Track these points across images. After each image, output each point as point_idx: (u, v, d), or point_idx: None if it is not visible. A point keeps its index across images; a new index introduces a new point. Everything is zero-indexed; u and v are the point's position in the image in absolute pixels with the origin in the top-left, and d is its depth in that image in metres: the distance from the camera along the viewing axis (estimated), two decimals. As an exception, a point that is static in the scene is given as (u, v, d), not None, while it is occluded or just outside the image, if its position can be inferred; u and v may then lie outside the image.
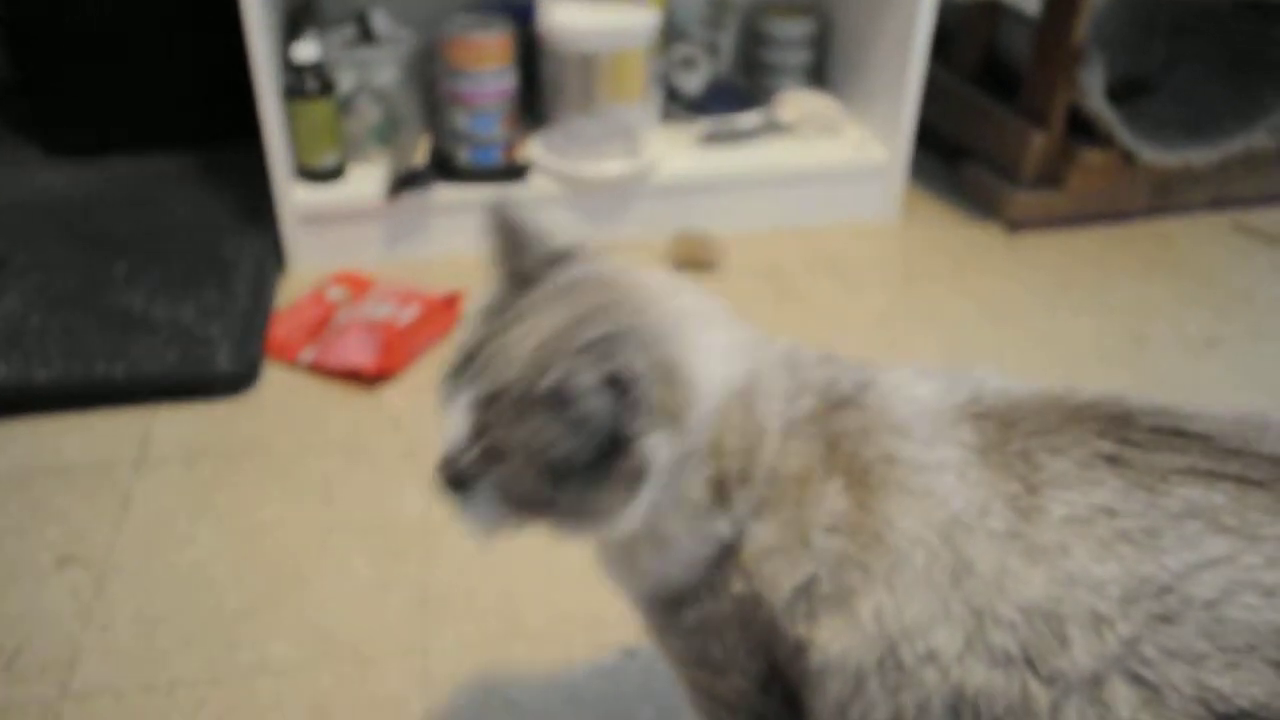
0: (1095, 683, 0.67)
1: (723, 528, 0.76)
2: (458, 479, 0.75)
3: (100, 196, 2.14)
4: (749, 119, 2.13)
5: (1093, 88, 1.97)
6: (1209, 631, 0.66)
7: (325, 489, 1.45)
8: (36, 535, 1.38)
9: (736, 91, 2.26)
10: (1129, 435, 0.73)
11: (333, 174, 1.92)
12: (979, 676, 0.70)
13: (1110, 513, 0.70)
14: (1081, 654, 0.67)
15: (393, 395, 1.63)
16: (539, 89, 2.06)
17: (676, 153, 2.07)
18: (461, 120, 1.93)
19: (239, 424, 1.57)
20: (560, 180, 1.97)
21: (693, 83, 2.20)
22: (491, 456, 0.73)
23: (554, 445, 0.70)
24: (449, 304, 1.75)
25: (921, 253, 2.07)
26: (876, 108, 2.15)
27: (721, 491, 0.76)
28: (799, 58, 2.27)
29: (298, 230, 1.90)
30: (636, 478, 0.72)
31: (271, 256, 1.91)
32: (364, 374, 1.62)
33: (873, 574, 0.73)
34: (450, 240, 1.95)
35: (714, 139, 2.10)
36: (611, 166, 1.97)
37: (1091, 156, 2.05)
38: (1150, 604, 0.67)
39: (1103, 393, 0.77)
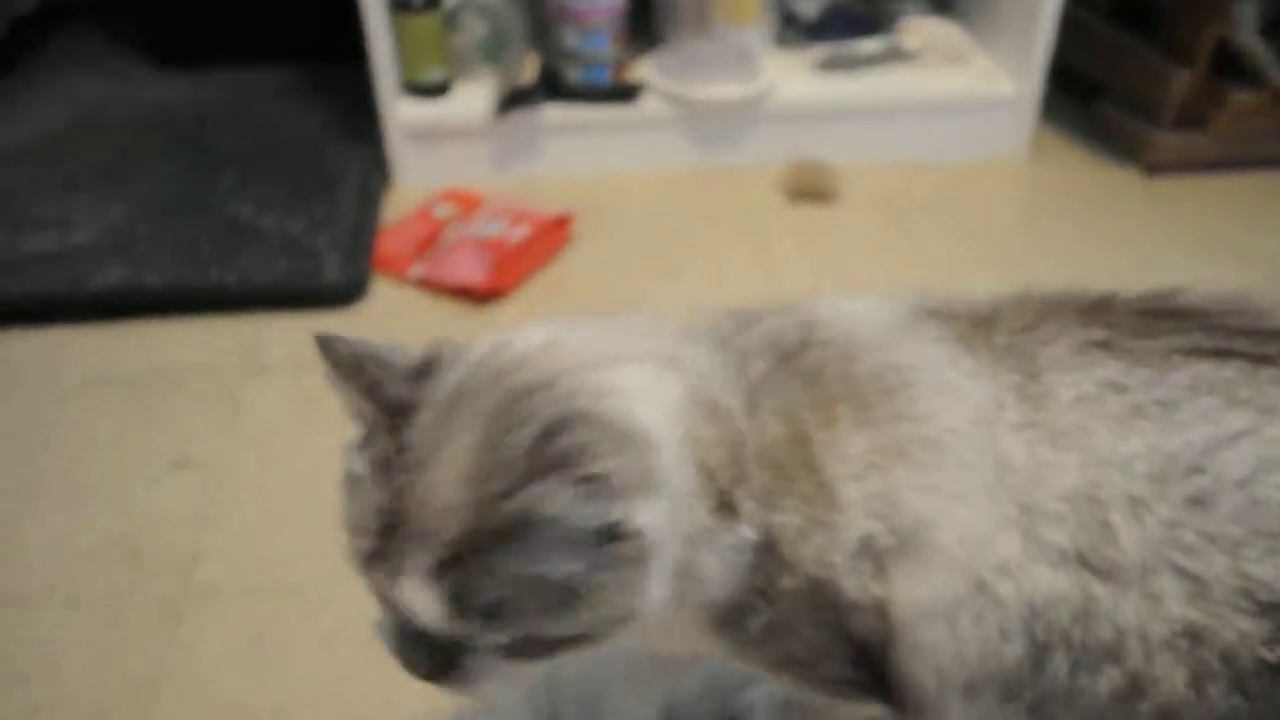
0: (1144, 575, 0.64)
1: (745, 533, 0.68)
2: (450, 661, 0.64)
3: (206, 109, 2.13)
4: (870, 45, 2.04)
5: (1246, 20, 1.84)
6: (1243, 515, 0.63)
7: (435, 404, 1.43)
8: (151, 436, 1.38)
9: (855, 16, 2.16)
10: (1114, 320, 0.69)
11: (439, 90, 1.87)
12: (1044, 582, 0.65)
13: (1119, 388, 0.66)
14: (1129, 542, 0.64)
15: (502, 314, 1.59)
16: (651, 9, 1.99)
17: (793, 78, 1.99)
18: (570, 38, 1.87)
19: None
20: (672, 102, 1.90)
21: (810, 6, 2.11)
22: (488, 619, 0.61)
23: (551, 574, 0.60)
24: (560, 225, 1.71)
25: (1051, 194, 1.97)
26: (1006, 38, 2.04)
27: (727, 504, 0.67)
28: (923, -17, 2.16)
29: (404, 146, 1.86)
30: (641, 557, 0.62)
31: (377, 172, 1.88)
32: (474, 291, 1.59)
33: (941, 490, 0.66)
34: (559, 160, 1.90)
35: (832, 65, 2.01)
36: (726, 90, 1.90)
37: (1240, 97, 1.91)
38: (1182, 486, 0.64)
39: (1063, 288, 0.73)
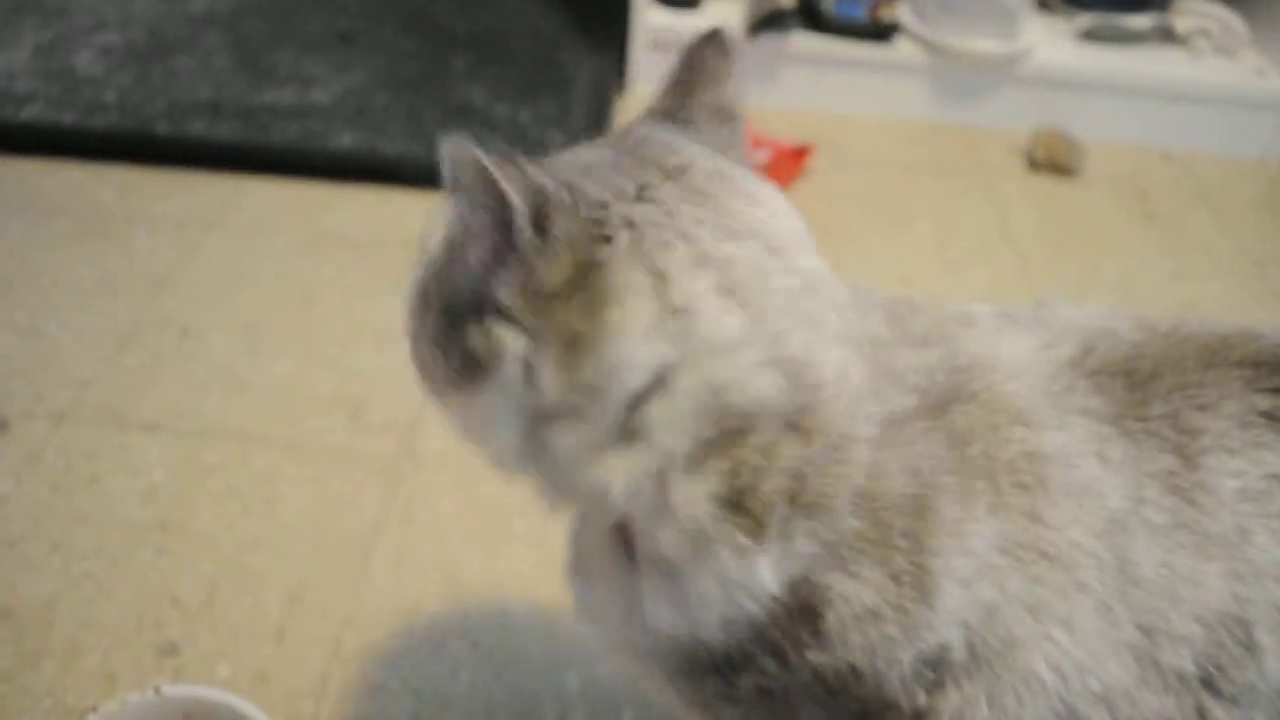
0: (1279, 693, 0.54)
1: (761, 577, 0.54)
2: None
3: (437, -9, 2.12)
4: (1139, 21, 1.92)
5: None
6: None
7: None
8: (379, 301, 1.38)
9: (1126, -11, 2.03)
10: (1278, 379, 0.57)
11: (690, 1, 1.83)
12: (1148, 708, 0.55)
13: None
14: (1275, 661, 0.54)
15: (730, 237, 1.55)
16: (915, -50, 1.91)
17: (1053, 43, 1.89)
18: (833, -33, 1.81)
19: (574, 234, 1.53)
20: (927, 49, 1.82)
21: (1080, -29, 1.99)
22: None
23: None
24: (798, 155, 1.65)
25: (1308, 203, 1.84)
26: (1287, 34, 1.90)
27: (762, 523, 0.54)
28: (1204, -37, 2.02)
29: (646, 54, 1.82)
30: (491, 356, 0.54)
31: (612, 76, 1.85)
32: (707, 209, 1.55)
33: (1046, 612, 0.54)
34: (802, 91, 1.84)
35: (1096, 35, 1.90)
36: (985, 44, 1.80)
37: None
38: None
39: (1224, 326, 0.61)
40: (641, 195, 0.55)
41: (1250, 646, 0.54)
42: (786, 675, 0.57)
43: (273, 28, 1.92)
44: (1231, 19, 1.94)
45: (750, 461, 0.53)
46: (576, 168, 0.57)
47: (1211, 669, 0.55)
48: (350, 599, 1.02)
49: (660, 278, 0.52)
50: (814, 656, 0.56)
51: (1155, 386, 0.59)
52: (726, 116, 0.62)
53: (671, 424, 0.52)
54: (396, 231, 1.50)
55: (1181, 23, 1.92)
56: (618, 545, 0.59)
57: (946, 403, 0.57)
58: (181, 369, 1.26)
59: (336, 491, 1.13)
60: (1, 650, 0.94)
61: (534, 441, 0.55)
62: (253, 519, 1.09)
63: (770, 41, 1.79)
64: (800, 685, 0.57)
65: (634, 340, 0.51)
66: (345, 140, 1.62)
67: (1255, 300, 1.58)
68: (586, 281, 0.52)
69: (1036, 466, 0.56)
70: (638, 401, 0.52)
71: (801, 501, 0.54)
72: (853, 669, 0.56)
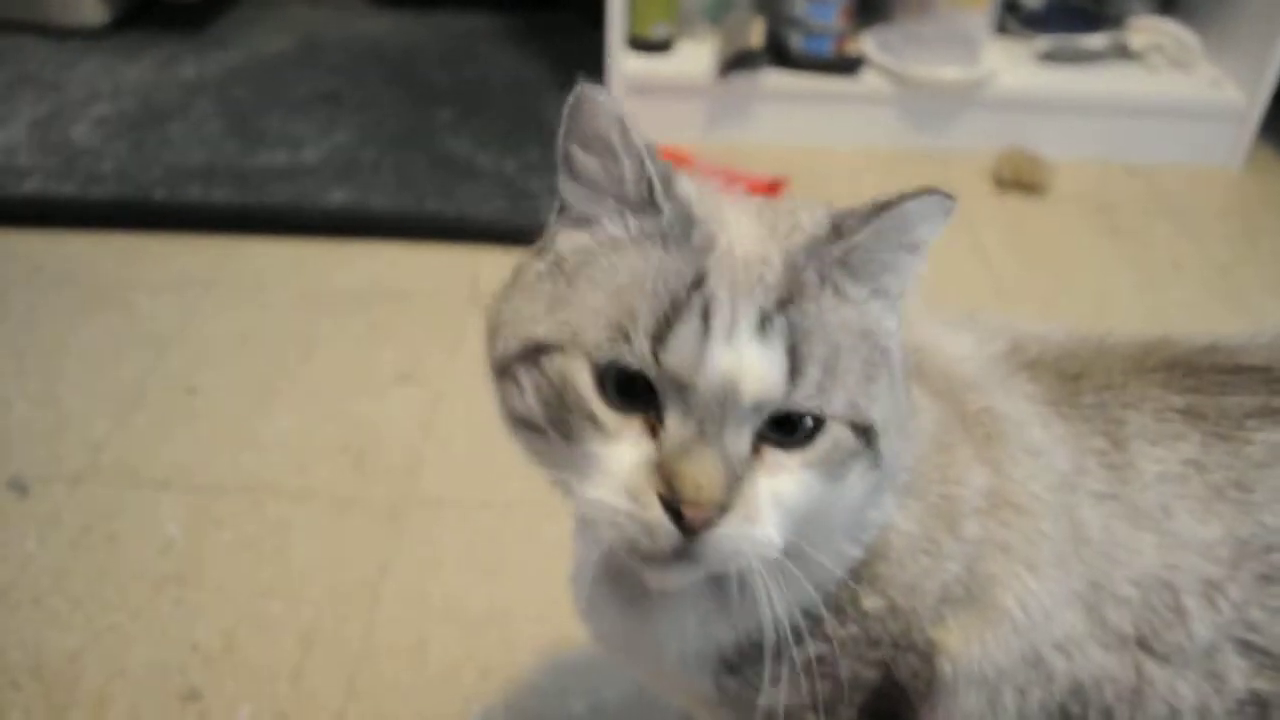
0: (1210, 654, 0.61)
1: (875, 516, 0.61)
2: (739, 483, 0.52)
3: (423, 47, 2.19)
4: (1095, 40, 1.99)
5: None
6: None
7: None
8: (378, 351, 1.43)
9: (1080, 10, 2.10)
10: (1193, 383, 0.66)
11: (662, 46, 1.90)
12: (1094, 662, 0.62)
13: (1199, 467, 0.63)
14: (1199, 626, 0.61)
15: (711, 271, 1.61)
16: (876, -15, 1.98)
17: (1014, 66, 1.96)
18: (799, 5, 1.87)
19: (561, 276, 1.58)
20: (893, 79, 1.89)
21: (1035, -3, 2.07)
22: (825, 374, 0.53)
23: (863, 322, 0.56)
24: (772, 187, 1.72)
25: (1262, 209, 1.89)
26: (1237, 46, 1.96)
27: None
28: (1154, -19, 2.10)
29: (624, 99, 1.89)
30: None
31: (591, 122, 1.91)
32: (687, 245, 1.61)
33: (1014, 554, 0.62)
34: (773, 127, 1.91)
35: (1055, 57, 1.97)
36: (948, 71, 1.87)
37: None
38: (1255, 564, 0.61)
39: (1146, 335, 0.69)
40: None
41: (1179, 611, 0.61)
42: (842, 629, 0.62)
43: (261, 92, 1.98)
44: (1184, 34, 2.01)
45: None
46: None
47: (1146, 630, 0.62)
48: (363, 637, 1.07)
49: None
50: (867, 603, 0.62)
51: (1084, 383, 0.66)
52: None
53: None
54: (389, 283, 1.56)
55: (1136, 39, 1.99)
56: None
57: (913, 375, 0.63)
58: (190, 426, 1.31)
59: (345, 536, 1.18)
60: (32, 705, 0.99)
61: None
62: (266, 566, 1.14)
63: (741, 80, 1.86)
64: (848, 640, 0.62)
65: None
66: (336, 197, 1.68)
67: (1220, 302, 1.63)
68: None
69: (997, 423, 0.64)
70: None
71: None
72: (892, 609, 0.62)
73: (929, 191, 0.54)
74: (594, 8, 1.83)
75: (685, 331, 0.51)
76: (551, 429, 0.55)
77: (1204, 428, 0.64)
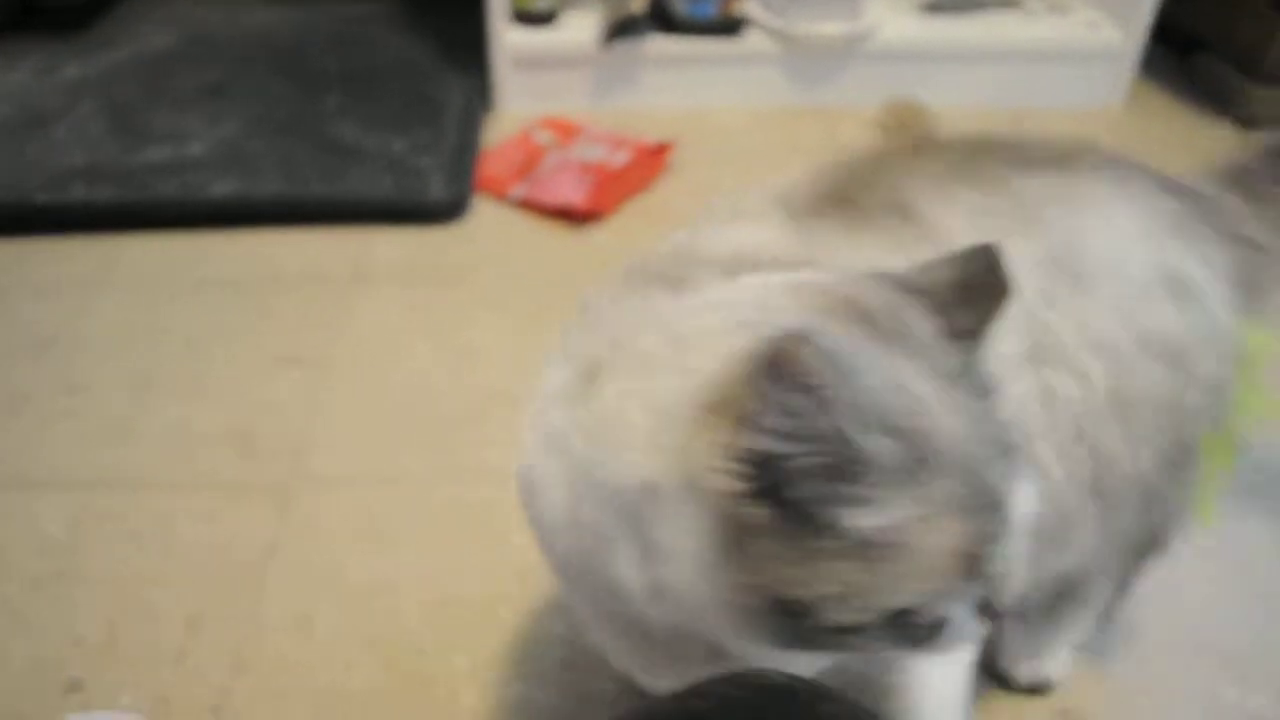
0: (1074, 355, 0.72)
1: None
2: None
3: (310, 34, 2.17)
4: (976, -11, 2.01)
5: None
6: (1117, 287, 0.75)
7: (533, 318, 1.45)
8: (262, 337, 1.42)
9: (961, -39, 2.13)
10: (944, 157, 0.78)
11: (546, 18, 1.89)
12: (1014, 390, 0.70)
13: (986, 212, 0.74)
14: (1059, 328, 0.72)
15: (599, 235, 1.61)
16: (756, -55, 1.99)
17: (897, 18, 1.98)
18: (680, -30, 1.88)
19: (450, 251, 1.58)
20: (775, 38, 1.90)
21: (916, -51, 2.09)
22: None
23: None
24: (658, 152, 1.72)
25: (1145, 144, 1.93)
26: (1113, -14, 2.00)
27: None
28: (1031, -71, 2.13)
29: (509, 73, 1.89)
30: None
31: (479, 97, 1.91)
32: (574, 212, 1.61)
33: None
34: (659, 93, 1.91)
35: (938, 7, 1.99)
36: (829, 27, 1.89)
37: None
38: (1065, 275, 0.74)
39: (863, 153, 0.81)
40: None
41: (1033, 317, 0.72)
42: None
43: (146, 89, 1.95)
44: (1061, -22, 2.04)
45: None
46: None
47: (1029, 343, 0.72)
48: (249, 617, 1.07)
49: None
50: None
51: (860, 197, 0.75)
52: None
53: None
54: (274, 269, 1.55)
55: (1015, -14, 2.02)
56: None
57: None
58: (71, 426, 1.29)
59: (231, 520, 1.17)
60: (-92, 708, 0.97)
61: None
62: (149, 557, 1.13)
63: (626, 47, 1.86)
64: None
65: None
66: (221, 189, 1.67)
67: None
68: None
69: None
70: None
71: None
72: None
73: None
74: (479, -15, 1.83)
75: None
76: None
77: (972, 184, 0.75)
